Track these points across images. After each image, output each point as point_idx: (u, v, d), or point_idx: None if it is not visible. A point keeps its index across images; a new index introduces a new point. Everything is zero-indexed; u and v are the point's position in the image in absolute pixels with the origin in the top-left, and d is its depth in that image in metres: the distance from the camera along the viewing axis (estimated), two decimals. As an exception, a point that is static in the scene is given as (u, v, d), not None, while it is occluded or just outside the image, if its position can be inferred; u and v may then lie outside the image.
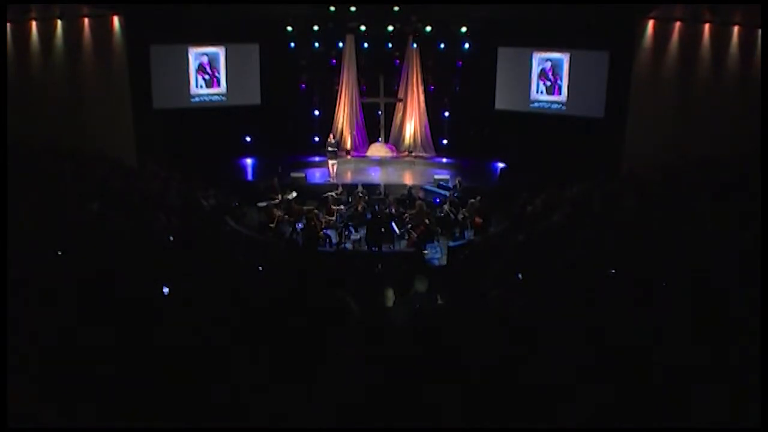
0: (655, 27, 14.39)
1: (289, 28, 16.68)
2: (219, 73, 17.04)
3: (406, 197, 15.25)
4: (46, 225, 7.80)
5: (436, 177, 16.88)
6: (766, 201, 7.64)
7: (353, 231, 13.45)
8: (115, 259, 6.55)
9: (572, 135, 15.73)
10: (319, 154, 17.88)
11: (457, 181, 15.65)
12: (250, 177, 17.45)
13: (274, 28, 16.67)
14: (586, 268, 7.57)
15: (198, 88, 16.93)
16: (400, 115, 18.89)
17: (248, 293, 5.81)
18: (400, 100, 18.75)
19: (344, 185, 16.10)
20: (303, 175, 16.85)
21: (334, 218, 14.15)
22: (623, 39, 14.72)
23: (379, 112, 18.79)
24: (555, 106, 16.80)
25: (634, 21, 14.45)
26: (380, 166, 18.20)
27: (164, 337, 4.06)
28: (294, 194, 15.00)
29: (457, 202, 14.46)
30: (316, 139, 18.38)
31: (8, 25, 13.68)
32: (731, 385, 3.48)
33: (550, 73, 16.72)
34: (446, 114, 18.61)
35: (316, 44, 17.40)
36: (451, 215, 14.09)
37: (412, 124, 18.75)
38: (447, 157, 18.55)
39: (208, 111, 16.89)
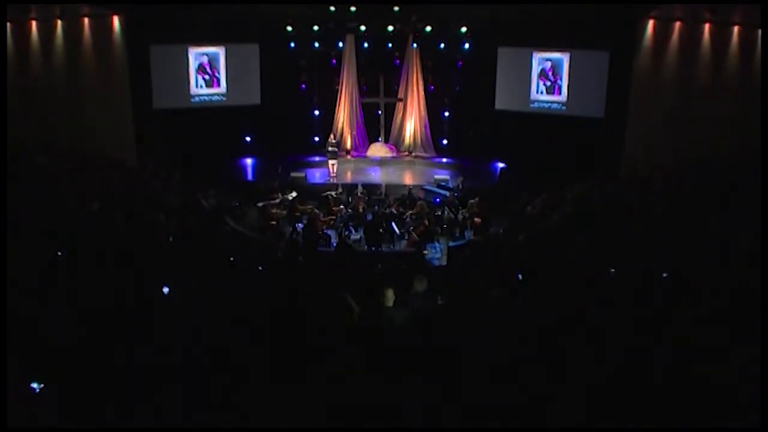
0: (655, 27, 14.38)
1: (289, 28, 16.67)
2: (219, 73, 17.03)
3: (406, 197, 15.24)
4: (46, 225, 7.79)
5: (436, 177, 16.87)
6: (766, 201, 7.64)
7: (353, 231, 13.44)
8: (116, 259, 6.55)
9: (572, 135, 15.71)
10: (319, 154, 17.88)
11: (459, 181, 15.62)
12: (250, 177, 17.43)
13: (274, 28, 16.66)
14: (586, 268, 7.56)
15: (198, 88, 16.92)
16: (400, 115, 18.88)
17: (248, 293, 5.81)
18: (400, 100, 18.73)
19: (344, 185, 16.09)
20: (303, 175, 16.84)
21: (334, 218, 14.13)
22: (623, 39, 14.70)
23: (379, 112, 18.78)
24: (555, 106, 16.79)
25: (634, 21, 14.43)
26: (380, 166, 18.18)
27: (164, 337, 4.07)
28: (294, 194, 15.00)
29: (456, 202, 14.43)
30: (316, 139, 18.38)
31: (8, 25, 13.67)
32: (732, 385, 3.49)
33: (550, 73, 16.71)
34: (446, 114, 18.60)
35: (316, 44, 17.38)
36: (451, 215, 14.08)
37: (412, 124, 18.74)
38: (447, 157, 18.53)
39: (208, 111, 16.89)
